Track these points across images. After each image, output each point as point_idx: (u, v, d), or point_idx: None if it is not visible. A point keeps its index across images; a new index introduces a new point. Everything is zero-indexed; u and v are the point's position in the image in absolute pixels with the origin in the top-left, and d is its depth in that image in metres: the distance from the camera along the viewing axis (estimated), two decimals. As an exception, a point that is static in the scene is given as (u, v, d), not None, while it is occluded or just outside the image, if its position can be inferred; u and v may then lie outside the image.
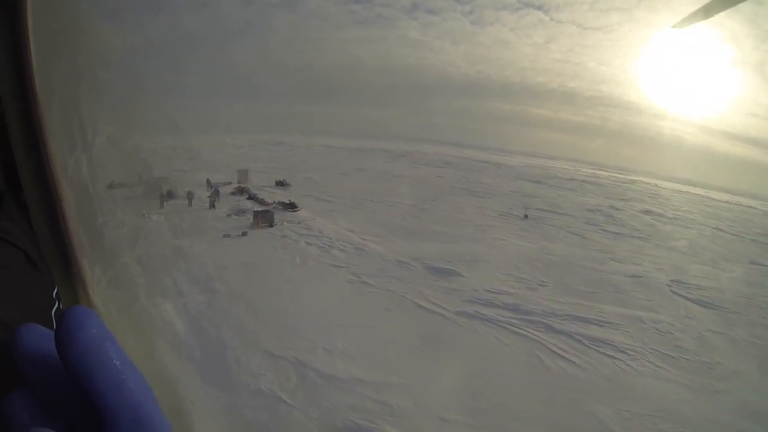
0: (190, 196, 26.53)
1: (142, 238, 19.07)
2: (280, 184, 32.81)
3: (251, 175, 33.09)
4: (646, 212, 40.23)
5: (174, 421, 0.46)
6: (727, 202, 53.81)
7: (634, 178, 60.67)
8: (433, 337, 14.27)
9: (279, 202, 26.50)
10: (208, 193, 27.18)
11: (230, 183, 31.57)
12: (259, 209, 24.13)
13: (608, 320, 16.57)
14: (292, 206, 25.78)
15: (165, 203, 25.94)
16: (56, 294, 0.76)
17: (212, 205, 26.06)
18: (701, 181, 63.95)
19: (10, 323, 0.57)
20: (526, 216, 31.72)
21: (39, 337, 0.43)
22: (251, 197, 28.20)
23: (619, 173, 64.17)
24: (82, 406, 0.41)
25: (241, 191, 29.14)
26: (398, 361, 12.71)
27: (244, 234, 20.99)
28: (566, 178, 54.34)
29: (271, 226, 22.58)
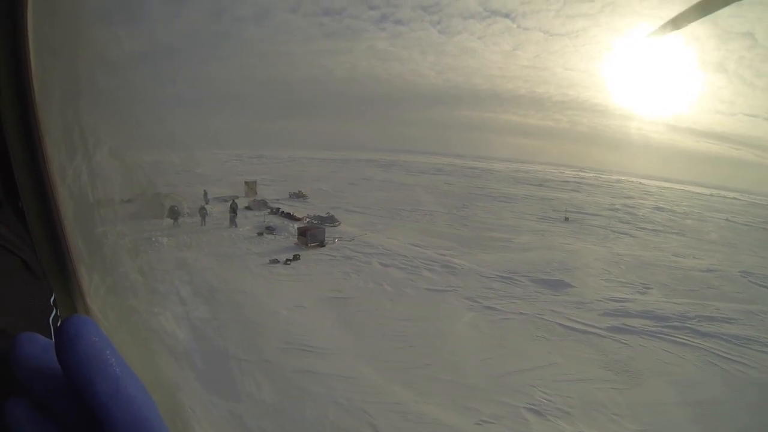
0: (203, 212, 21.43)
1: (156, 267, 14.76)
2: (296, 195, 28.20)
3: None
4: (658, 209, 39.93)
5: (174, 428, 0.43)
6: (711, 195, 55.47)
7: (617, 177, 61.24)
8: (616, 363, 11.47)
9: (315, 216, 21.90)
10: (209, 208, 22.03)
11: (237, 196, 26.70)
12: (304, 226, 19.45)
13: (731, 316, 15.05)
14: (331, 220, 21.29)
15: (176, 221, 20.84)
16: (53, 301, 0.72)
17: (233, 223, 21.03)
18: (675, 177, 65.94)
19: (7, 331, 0.55)
20: (566, 218, 29.77)
21: (37, 345, 0.43)
22: (275, 212, 23.35)
23: (600, 174, 64.55)
24: (81, 413, 0.40)
25: (258, 205, 24.22)
26: (617, 405, 9.69)
27: (296, 258, 16.34)
28: (560, 180, 53.54)
29: (322, 245, 18.02)
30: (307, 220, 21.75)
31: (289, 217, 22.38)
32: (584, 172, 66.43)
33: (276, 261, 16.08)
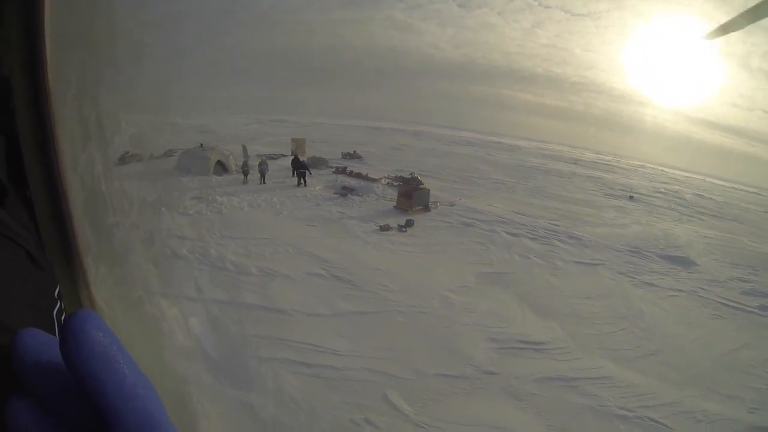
0: (262, 169, 18.54)
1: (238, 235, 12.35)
2: (350, 155, 25.41)
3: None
4: (700, 196, 38.85)
5: (180, 423, 0.44)
6: (733, 188, 54.72)
7: (637, 163, 60.00)
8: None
9: (396, 177, 19.31)
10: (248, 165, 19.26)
11: (284, 155, 23.89)
12: (406, 187, 16.92)
13: None
14: (416, 182, 18.76)
15: (246, 179, 18.07)
16: (58, 293, 0.70)
17: (302, 182, 18.26)
18: (692, 168, 65.23)
19: (9, 324, 0.53)
20: (631, 197, 28.11)
21: (40, 342, 0.41)
22: (341, 171, 20.61)
23: (619, 158, 63.19)
24: (86, 410, 0.40)
25: (318, 163, 21.48)
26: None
27: (409, 224, 13.82)
28: (589, 161, 51.68)
29: (427, 209, 15.55)
30: (387, 180, 19.15)
31: (361, 177, 19.70)
32: (603, 155, 64.88)
33: (387, 227, 13.51)
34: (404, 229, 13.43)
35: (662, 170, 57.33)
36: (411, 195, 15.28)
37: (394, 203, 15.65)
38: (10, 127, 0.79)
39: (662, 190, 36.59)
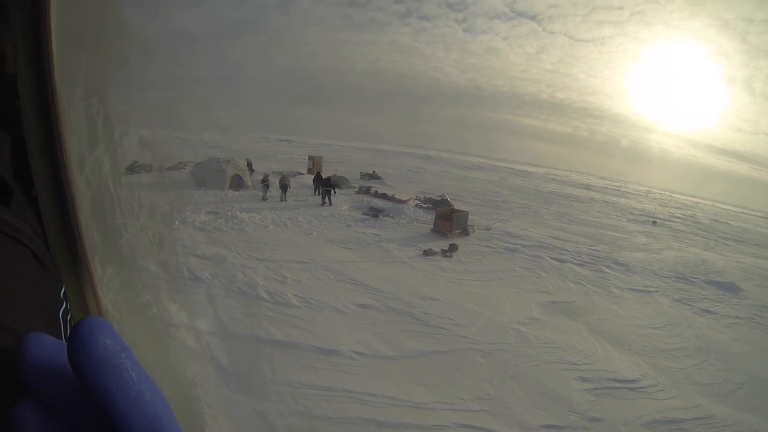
0: (284, 184, 17.83)
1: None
2: (369, 176, 24.81)
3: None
4: (715, 221, 38.57)
5: (187, 426, 0.45)
6: (743, 213, 54.56)
7: (645, 188, 59.98)
8: None
9: (425, 199, 18.65)
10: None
11: (300, 173, 23.32)
12: (445, 209, 16.24)
13: None
14: (446, 204, 18.14)
15: (266, 196, 17.43)
16: (63, 293, 0.69)
17: (326, 201, 17.59)
18: (699, 193, 65.34)
19: (15, 326, 0.52)
20: (654, 222, 27.78)
21: (47, 346, 0.41)
22: (365, 191, 19.96)
23: (627, 183, 63.23)
24: (94, 417, 0.40)
25: (339, 182, 20.77)
26: None
27: (452, 248, 13.06)
28: (599, 186, 51.47)
29: (466, 233, 14.86)
30: (415, 202, 18.48)
31: (387, 197, 19.05)
32: (610, 180, 64.86)
33: (431, 252, 12.73)
34: (449, 254, 12.68)
35: (670, 195, 57.38)
36: (450, 218, 14.57)
37: (431, 226, 14.94)
38: (16, 126, 0.77)
39: (678, 215, 36.29)
